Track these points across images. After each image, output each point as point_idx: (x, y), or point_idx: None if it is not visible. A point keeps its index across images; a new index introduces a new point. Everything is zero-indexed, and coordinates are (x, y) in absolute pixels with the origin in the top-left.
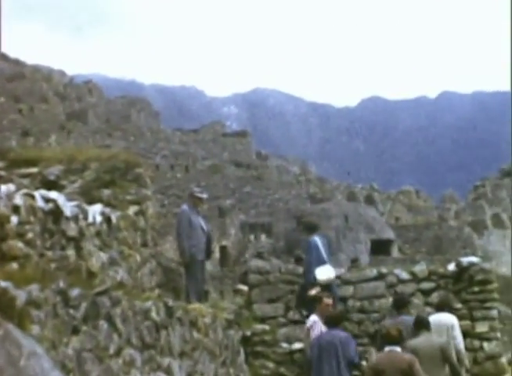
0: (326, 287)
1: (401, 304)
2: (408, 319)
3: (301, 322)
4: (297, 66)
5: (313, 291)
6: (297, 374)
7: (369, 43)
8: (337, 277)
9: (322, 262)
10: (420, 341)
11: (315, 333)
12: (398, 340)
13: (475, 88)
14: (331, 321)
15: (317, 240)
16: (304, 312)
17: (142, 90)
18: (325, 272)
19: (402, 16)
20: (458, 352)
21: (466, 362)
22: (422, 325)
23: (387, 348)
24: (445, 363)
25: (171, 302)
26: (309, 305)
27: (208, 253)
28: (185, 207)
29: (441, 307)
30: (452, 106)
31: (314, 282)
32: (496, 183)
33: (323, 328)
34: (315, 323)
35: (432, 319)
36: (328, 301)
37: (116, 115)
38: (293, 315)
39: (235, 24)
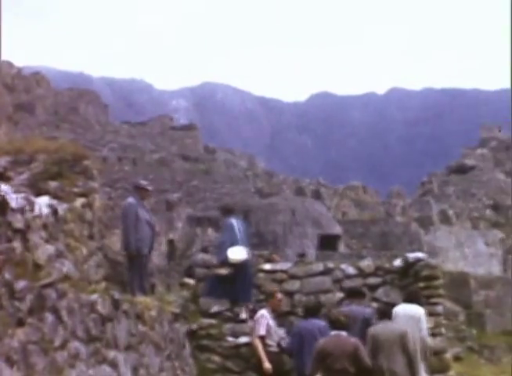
0: (240, 267)
1: (352, 293)
2: (358, 309)
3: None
4: (246, 60)
5: (223, 270)
6: (243, 368)
7: (319, 38)
8: (283, 271)
9: (235, 243)
10: (381, 327)
11: (260, 326)
12: (344, 325)
13: (424, 84)
14: (310, 311)
15: (233, 221)
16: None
17: (90, 83)
18: (237, 253)
19: (350, 11)
20: (425, 344)
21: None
22: (384, 314)
23: (333, 333)
24: (404, 351)
25: (117, 295)
26: (220, 283)
27: (152, 247)
28: (131, 199)
29: (409, 299)
30: (400, 102)
31: (225, 261)
32: (443, 180)
33: (271, 322)
34: (263, 316)
35: (400, 309)
36: (280, 296)
37: (64, 107)
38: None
39: (184, 18)
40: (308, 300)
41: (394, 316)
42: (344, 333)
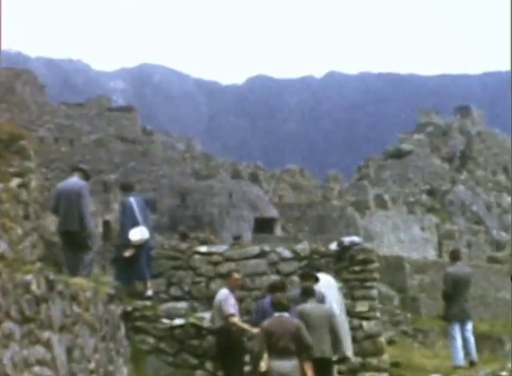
0: (140, 247)
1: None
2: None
3: (181, 298)
4: (184, 42)
5: (127, 253)
6: (177, 350)
7: (257, 20)
8: (219, 254)
9: (136, 224)
10: (311, 307)
11: (229, 304)
12: (287, 307)
13: (361, 69)
14: (274, 288)
15: (132, 201)
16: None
17: (28, 62)
18: (137, 234)
19: None
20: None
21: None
22: (309, 293)
23: (277, 314)
24: (331, 330)
25: (51, 276)
26: (124, 266)
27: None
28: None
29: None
30: (338, 86)
31: (128, 243)
32: (380, 164)
33: (233, 300)
34: (229, 295)
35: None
36: (238, 275)
37: (0, 87)
38: (174, 291)
39: None
40: (274, 279)
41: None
42: (286, 314)
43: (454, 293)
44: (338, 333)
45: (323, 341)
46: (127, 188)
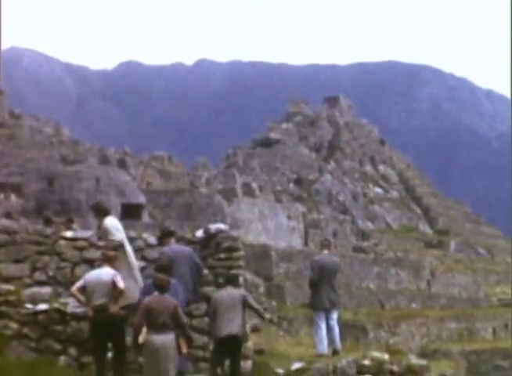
0: None
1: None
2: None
3: (46, 283)
4: (54, 25)
5: None
6: (40, 335)
7: (128, 6)
8: (84, 239)
9: None
10: (224, 293)
11: (122, 282)
12: (167, 288)
13: (232, 57)
14: (161, 269)
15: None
16: None
17: None
18: None
19: None
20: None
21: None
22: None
23: (156, 293)
24: (243, 309)
25: None
26: None
27: None
28: None
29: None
30: (208, 73)
31: None
32: (248, 153)
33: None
34: (117, 273)
35: None
36: (110, 253)
37: None
38: (39, 276)
39: None
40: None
41: None
42: (166, 294)
43: (321, 281)
44: (259, 308)
45: (233, 324)
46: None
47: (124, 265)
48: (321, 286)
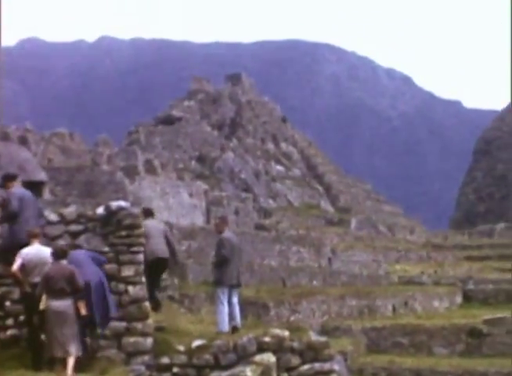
0: None
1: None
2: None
3: None
4: None
5: None
6: None
7: None
8: None
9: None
10: (150, 224)
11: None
12: (65, 256)
13: (134, 34)
14: (60, 254)
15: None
16: None
17: None
18: None
19: None
20: None
21: None
22: (148, 213)
23: (55, 261)
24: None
25: None
26: None
27: None
28: None
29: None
30: (110, 51)
31: None
32: (150, 130)
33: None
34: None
35: None
36: (35, 230)
37: None
38: None
39: None
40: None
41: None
42: (64, 261)
43: (231, 258)
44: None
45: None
46: None
47: None
48: (230, 262)
